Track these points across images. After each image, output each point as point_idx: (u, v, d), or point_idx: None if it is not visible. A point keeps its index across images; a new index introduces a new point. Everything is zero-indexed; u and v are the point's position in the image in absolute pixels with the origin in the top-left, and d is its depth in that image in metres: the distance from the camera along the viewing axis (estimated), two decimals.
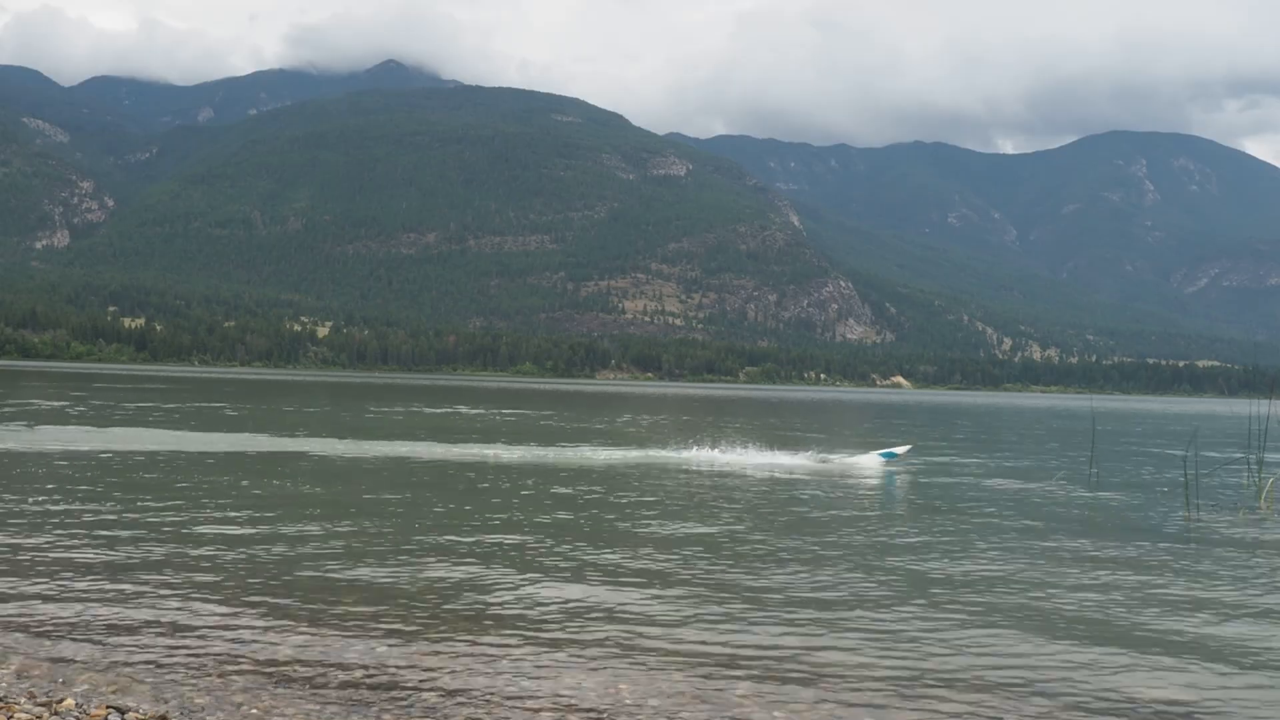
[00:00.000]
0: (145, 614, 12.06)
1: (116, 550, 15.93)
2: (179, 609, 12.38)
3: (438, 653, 10.94)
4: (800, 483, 29.14)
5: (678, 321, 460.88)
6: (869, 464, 34.83)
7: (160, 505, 21.06)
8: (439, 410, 72.65)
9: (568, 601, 13.40)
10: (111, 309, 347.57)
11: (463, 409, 76.07)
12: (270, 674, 10.10)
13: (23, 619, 11.69)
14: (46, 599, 12.65)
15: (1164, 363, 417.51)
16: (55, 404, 61.98)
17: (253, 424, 49.47)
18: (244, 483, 25.52)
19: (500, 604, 13.15)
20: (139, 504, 21.19)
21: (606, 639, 11.65)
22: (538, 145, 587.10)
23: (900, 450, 36.48)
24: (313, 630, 11.63)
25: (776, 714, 9.48)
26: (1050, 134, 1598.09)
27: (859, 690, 10.15)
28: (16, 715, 8.50)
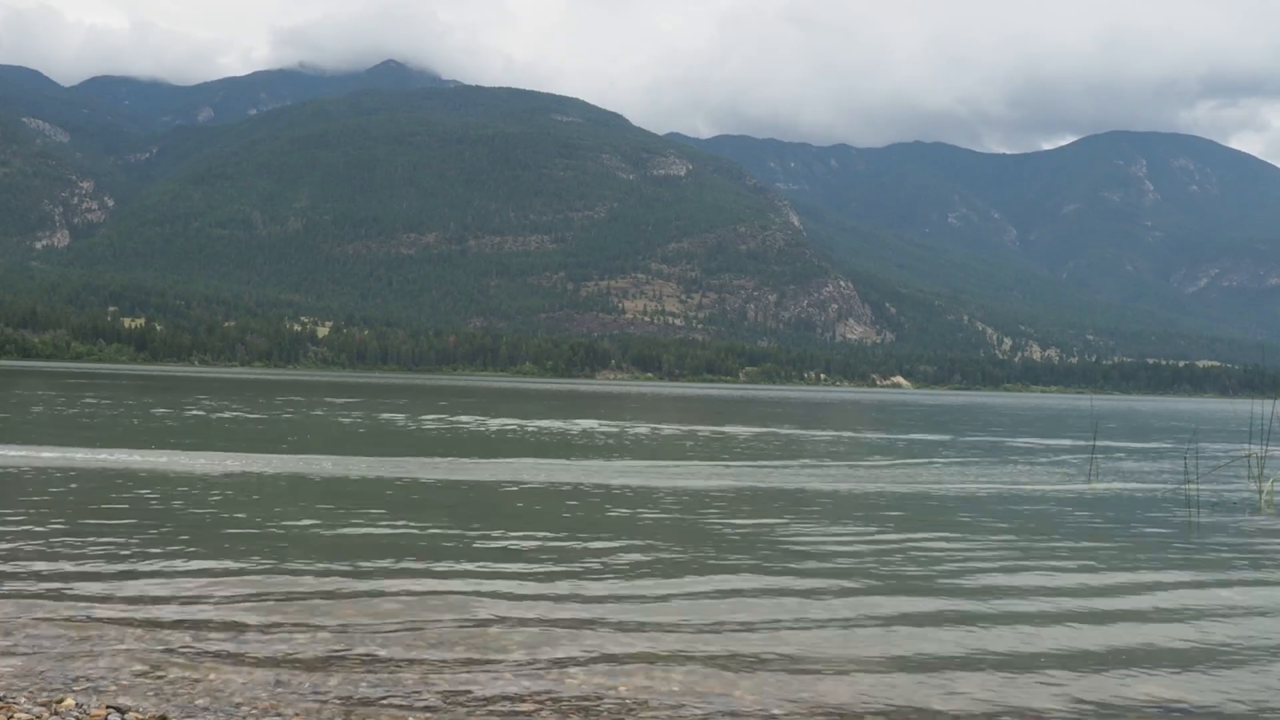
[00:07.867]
0: (146, 614, 12.06)
1: (118, 551, 15.92)
2: (179, 610, 12.38)
3: (438, 653, 10.94)
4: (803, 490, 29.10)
5: (678, 321, 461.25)
6: None
7: (166, 506, 21.06)
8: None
9: (566, 602, 13.40)
10: (111, 309, 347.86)
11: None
12: (270, 675, 10.09)
13: (23, 619, 11.69)
14: (47, 598, 12.64)
15: (1164, 363, 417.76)
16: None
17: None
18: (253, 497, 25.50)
19: (500, 605, 13.16)
20: (150, 506, 21.20)
21: (606, 638, 11.64)
22: (538, 145, 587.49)
23: None
24: (314, 631, 11.63)
25: (775, 712, 9.49)
26: (1036, 134, 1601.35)
27: (859, 690, 10.14)
28: (16, 715, 8.47)
